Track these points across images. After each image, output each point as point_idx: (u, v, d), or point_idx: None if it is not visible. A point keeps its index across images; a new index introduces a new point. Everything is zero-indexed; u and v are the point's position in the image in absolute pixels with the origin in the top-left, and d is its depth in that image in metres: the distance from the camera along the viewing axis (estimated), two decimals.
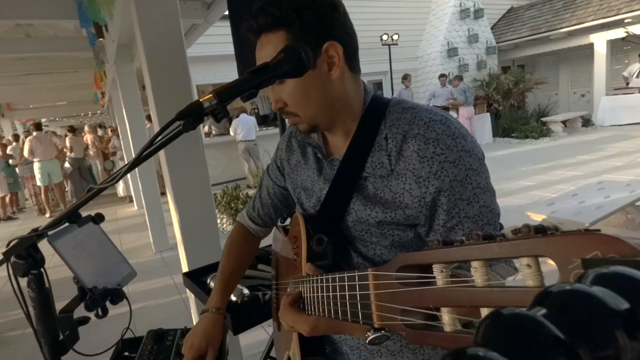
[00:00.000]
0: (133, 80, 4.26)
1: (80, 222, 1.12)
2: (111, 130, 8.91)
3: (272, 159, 1.03)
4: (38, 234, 0.91)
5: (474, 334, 0.20)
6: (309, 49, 0.66)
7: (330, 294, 0.60)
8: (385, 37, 9.48)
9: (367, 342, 0.50)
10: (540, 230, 0.28)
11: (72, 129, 8.23)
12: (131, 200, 7.38)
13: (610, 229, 3.33)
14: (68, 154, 7.94)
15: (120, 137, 6.87)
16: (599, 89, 9.91)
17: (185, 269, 2.03)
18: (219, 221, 5.16)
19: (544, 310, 0.18)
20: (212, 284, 1.44)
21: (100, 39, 3.13)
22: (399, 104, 0.74)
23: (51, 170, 7.21)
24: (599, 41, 9.48)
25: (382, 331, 0.49)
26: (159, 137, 0.70)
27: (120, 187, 7.81)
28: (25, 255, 0.92)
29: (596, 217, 2.77)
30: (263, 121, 9.05)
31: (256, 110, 9.61)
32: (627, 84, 9.02)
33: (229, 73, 7.81)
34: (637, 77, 8.86)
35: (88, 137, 8.57)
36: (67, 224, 1.09)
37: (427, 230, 0.71)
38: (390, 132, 0.70)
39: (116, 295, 1.09)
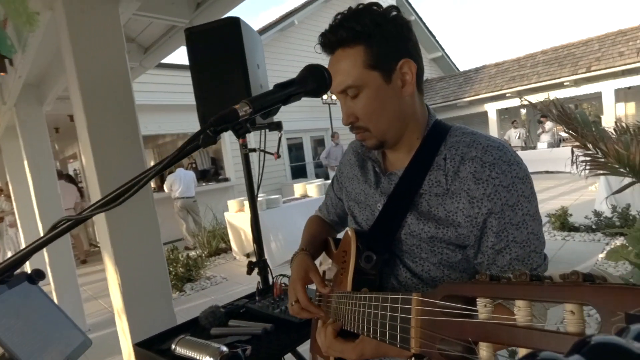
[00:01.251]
0: (41, 127, 3.62)
1: (11, 282, 0.86)
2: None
3: (335, 173, 1.06)
4: None
5: None
6: (384, 64, 0.71)
7: (372, 312, 0.60)
8: (325, 97, 10.05)
9: None
10: (589, 278, 0.29)
11: None
12: None
13: None
14: None
15: (13, 198, 5.73)
16: None
17: (127, 342, 1.65)
18: None
19: (580, 359, 0.19)
20: (179, 349, 1.21)
21: (2, 73, 2.68)
22: (460, 129, 0.77)
23: None
24: (491, 110, 11.71)
25: (425, 358, 0.49)
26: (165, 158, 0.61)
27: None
28: None
29: None
30: (203, 176, 8.62)
31: (194, 165, 9.13)
32: (510, 145, 11.35)
33: (162, 124, 7.42)
34: (517, 138, 11.26)
35: None
36: None
37: (475, 251, 0.72)
38: (449, 153, 0.73)
39: None
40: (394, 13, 0.72)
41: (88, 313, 3.85)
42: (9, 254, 6.23)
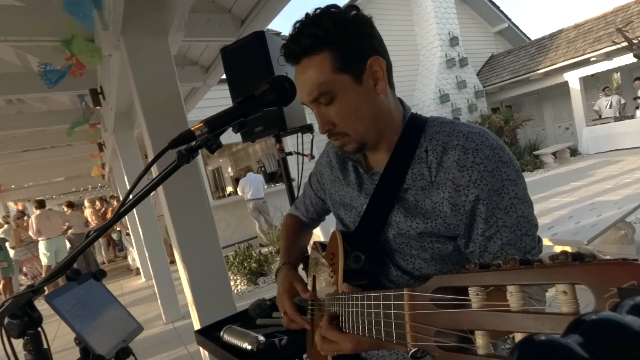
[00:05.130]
0: (134, 148, 4.26)
1: (80, 280, 1.08)
2: (116, 201, 8.86)
3: (312, 172, 1.05)
4: (34, 290, 0.85)
5: (506, 358, 0.20)
6: (352, 65, 0.68)
7: (365, 311, 0.59)
8: None
9: (409, 355, 0.48)
10: (578, 257, 0.28)
11: (70, 204, 7.93)
12: (138, 273, 7.18)
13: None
14: (69, 231, 7.65)
15: None
16: (579, 122, 10.53)
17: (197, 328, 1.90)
18: (232, 282, 5.00)
19: (577, 338, 0.18)
20: (225, 337, 1.37)
21: (98, 107, 3.21)
22: (437, 119, 0.76)
23: (58, 248, 6.98)
24: (573, 79, 10.23)
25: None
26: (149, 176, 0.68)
27: (130, 258, 7.65)
28: (21, 315, 0.85)
29: (592, 234, 2.79)
30: (270, 179, 9.13)
31: (263, 169, 9.73)
32: (600, 116, 9.69)
33: (233, 133, 8.03)
34: (608, 108, 9.50)
35: (87, 212, 8.40)
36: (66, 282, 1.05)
37: (466, 240, 0.70)
38: (431, 145, 0.72)
39: (122, 352, 1.00)
40: (354, 12, 0.69)
41: (182, 304, 4.36)
42: (134, 253, 7.25)
